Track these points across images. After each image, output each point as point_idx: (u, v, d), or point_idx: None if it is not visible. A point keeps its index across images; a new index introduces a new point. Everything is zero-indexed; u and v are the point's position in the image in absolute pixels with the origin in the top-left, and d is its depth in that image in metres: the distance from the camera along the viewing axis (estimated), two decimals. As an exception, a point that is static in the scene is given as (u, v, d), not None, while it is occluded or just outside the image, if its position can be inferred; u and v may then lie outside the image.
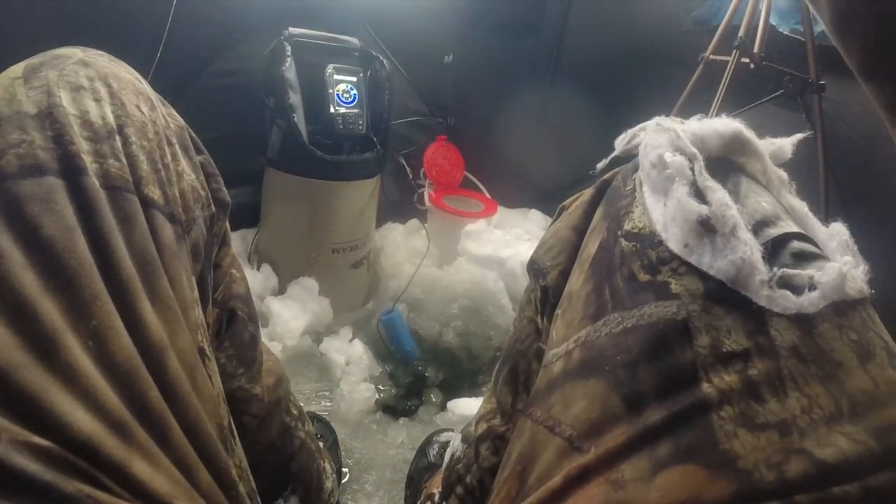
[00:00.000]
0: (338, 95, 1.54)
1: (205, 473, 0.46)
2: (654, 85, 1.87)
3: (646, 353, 0.46)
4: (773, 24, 1.61)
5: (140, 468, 0.40)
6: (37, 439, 0.36)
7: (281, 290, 1.62)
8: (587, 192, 0.64)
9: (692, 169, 0.51)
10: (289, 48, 1.49)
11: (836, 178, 1.61)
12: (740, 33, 1.56)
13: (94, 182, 0.45)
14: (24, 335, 0.38)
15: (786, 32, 1.63)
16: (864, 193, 1.62)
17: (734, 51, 1.56)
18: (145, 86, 0.57)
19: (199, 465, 0.46)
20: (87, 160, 0.45)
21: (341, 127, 1.54)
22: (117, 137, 0.49)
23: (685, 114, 1.66)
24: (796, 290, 0.43)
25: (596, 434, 0.46)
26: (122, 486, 0.39)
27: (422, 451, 1.23)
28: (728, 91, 1.58)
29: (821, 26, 1.56)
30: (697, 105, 1.61)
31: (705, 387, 0.42)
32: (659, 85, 1.83)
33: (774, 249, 0.46)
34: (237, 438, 0.56)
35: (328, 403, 1.44)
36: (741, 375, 0.41)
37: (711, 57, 1.66)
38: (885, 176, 1.56)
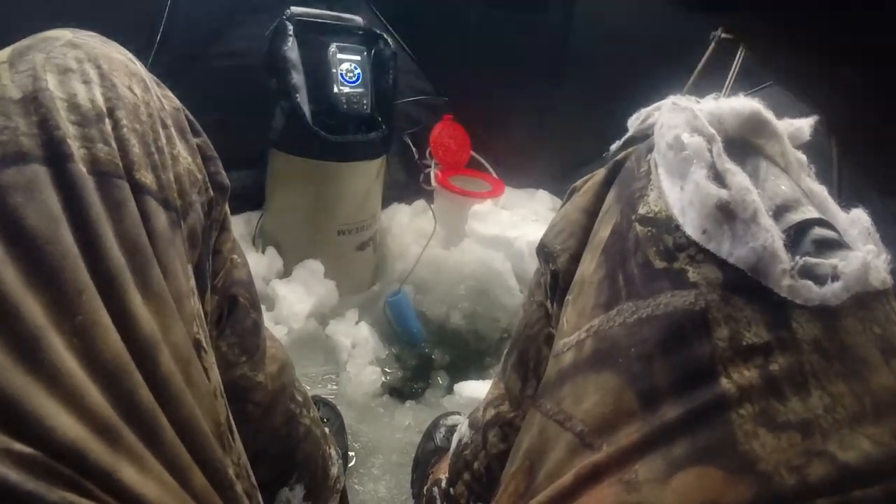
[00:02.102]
0: (341, 75, 1.52)
1: (199, 475, 0.44)
2: (664, 64, 1.83)
3: (661, 346, 0.44)
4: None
5: (128, 474, 0.38)
6: (18, 446, 0.34)
7: (286, 273, 1.61)
8: (599, 173, 0.62)
9: (710, 151, 0.48)
10: (290, 28, 1.46)
11: (850, 161, 1.59)
12: (754, 10, 1.53)
13: (81, 168, 0.43)
14: (3, 335, 0.36)
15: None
16: (879, 176, 1.59)
17: (747, 27, 1.54)
18: (139, 66, 0.55)
19: (192, 466, 0.44)
20: (74, 145, 0.43)
21: (345, 107, 1.52)
22: (107, 121, 0.46)
23: (697, 93, 1.63)
24: (818, 280, 0.41)
25: (609, 430, 0.44)
26: (109, 493, 0.37)
27: (428, 434, 1.22)
28: (739, 70, 1.55)
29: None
30: (709, 85, 1.59)
31: (724, 382, 0.40)
32: (669, 64, 1.80)
33: (796, 236, 0.44)
34: (236, 434, 0.54)
35: (334, 387, 1.43)
36: (761, 371, 0.39)
37: (724, 35, 1.63)
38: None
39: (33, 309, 0.37)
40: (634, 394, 0.44)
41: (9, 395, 0.34)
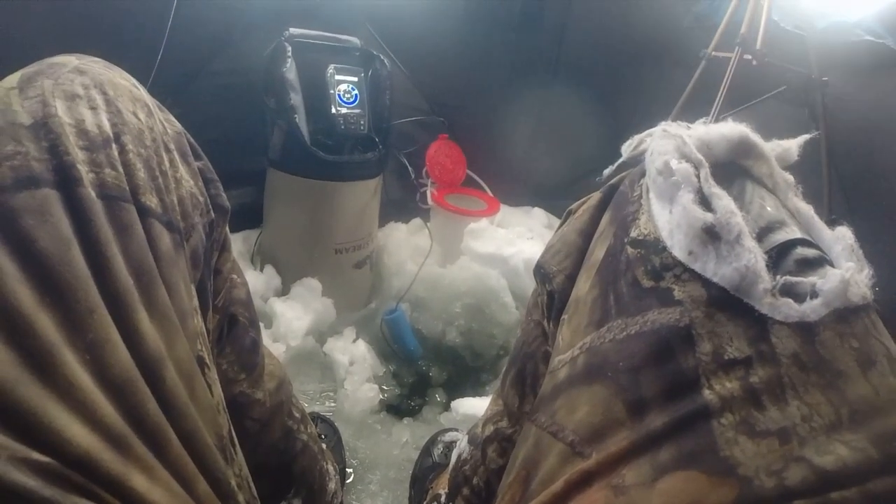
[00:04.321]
0: (339, 95, 1.54)
1: (203, 484, 0.46)
2: (655, 81, 1.87)
3: (648, 359, 0.46)
4: (776, 19, 1.61)
5: (138, 481, 0.40)
6: (36, 455, 0.36)
7: (284, 291, 1.63)
8: (594, 197, 0.64)
9: (698, 176, 0.50)
10: (289, 48, 1.49)
11: (840, 175, 1.61)
12: (742, 30, 1.56)
13: (90, 192, 0.44)
14: (20, 351, 0.38)
15: (788, 28, 1.63)
16: (869, 190, 1.61)
17: (736, 47, 1.56)
18: (142, 92, 0.56)
19: (197, 476, 0.46)
20: (83, 170, 0.45)
21: (343, 127, 1.54)
22: (114, 146, 0.48)
23: (688, 111, 1.66)
24: (799, 297, 0.43)
25: (598, 439, 0.46)
26: (120, 499, 0.39)
27: (426, 450, 1.23)
28: (731, 88, 1.58)
29: (824, 22, 1.57)
30: (700, 102, 1.61)
31: (707, 393, 0.42)
32: (661, 81, 1.83)
33: (778, 256, 0.46)
34: (237, 447, 0.56)
35: (332, 404, 1.44)
36: (742, 382, 0.41)
37: (713, 53, 1.65)
38: (890, 171, 1.56)
39: (47, 326, 0.39)
40: (623, 404, 0.46)
41: (26, 408, 0.36)
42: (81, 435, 0.38)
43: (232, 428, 0.55)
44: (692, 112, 1.62)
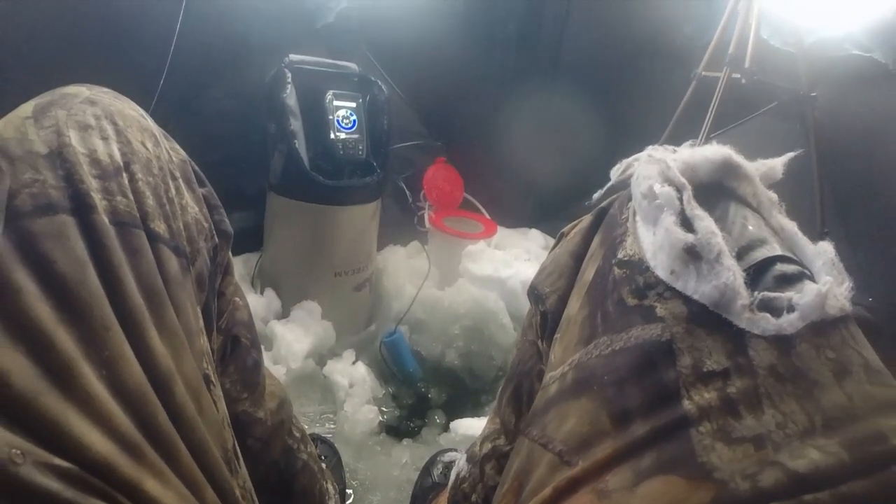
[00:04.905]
0: (338, 121, 1.57)
1: (210, 492, 0.49)
2: (650, 103, 1.90)
3: (632, 373, 0.48)
4: (765, 37, 1.64)
5: (151, 486, 0.42)
6: (57, 461, 0.38)
7: (284, 314, 1.64)
8: (586, 219, 0.66)
9: (680, 199, 0.53)
10: (289, 75, 1.51)
11: (834, 187, 1.63)
12: (731, 49, 1.59)
13: (104, 219, 0.47)
14: (42, 364, 0.40)
15: (777, 45, 1.66)
16: (862, 200, 1.64)
17: (725, 67, 1.59)
18: (149, 122, 0.59)
19: (205, 484, 0.48)
20: (97, 198, 0.47)
21: (342, 152, 1.56)
22: (124, 174, 0.51)
23: (681, 129, 1.68)
24: (776, 311, 0.45)
25: (585, 448, 0.48)
26: (135, 502, 0.41)
27: (426, 470, 1.24)
28: (722, 105, 1.60)
29: (812, 38, 1.60)
30: (694, 121, 1.64)
31: (686, 404, 0.44)
32: (656, 102, 1.86)
33: (758, 273, 0.48)
34: (241, 460, 0.58)
35: (332, 426, 1.45)
36: (720, 393, 0.43)
37: (704, 73, 1.68)
38: (881, 182, 1.58)
39: (66, 342, 0.42)
40: (608, 415, 0.48)
41: (48, 416, 0.39)
42: (99, 442, 0.41)
43: (236, 442, 0.58)
44: (686, 131, 1.64)
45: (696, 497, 0.40)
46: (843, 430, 0.40)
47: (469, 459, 0.83)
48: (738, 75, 1.58)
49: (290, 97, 1.50)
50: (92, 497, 0.39)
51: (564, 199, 2.12)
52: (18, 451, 0.37)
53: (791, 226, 0.55)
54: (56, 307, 0.42)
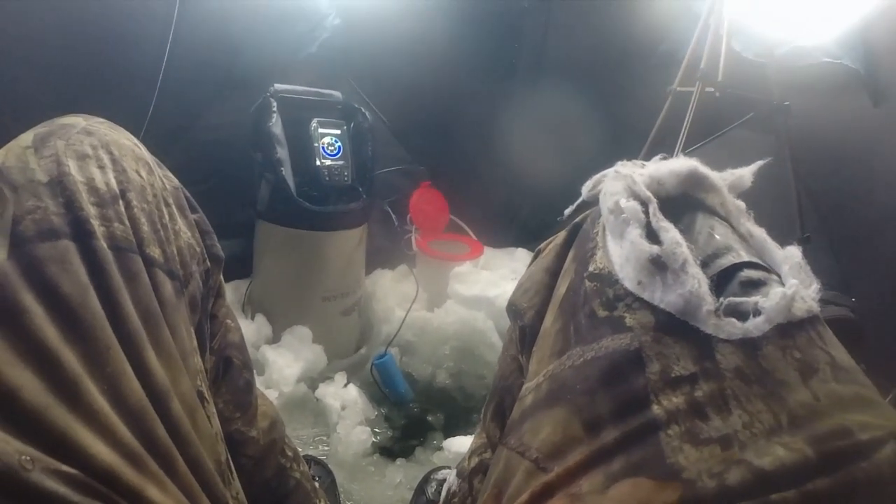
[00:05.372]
0: (323, 148, 1.59)
1: (206, 502, 0.51)
2: (631, 121, 1.92)
3: (603, 381, 0.50)
4: (737, 49, 1.66)
5: (153, 493, 0.45)
6: (65, 468, 0.41)
7: (275, 339, 1.65)
8: (560, 236, 0.69)
9: (646, 212, 0.55)
10: (275, 104, 1.54)
11: (811, 194, 1.65)
12: (702, 64, 1.61)
13: (103, 244, 0.50)
14: (49, 380, 0.43)
15: (749, 57, 1.68)
16: (839, 206, 1.66)
17: (697, 82, 1.61)
18: (143, 151, 0.62)
19: (201, 494, 0.51)
20: (96, 224, 0.50)
21: (327, 179, 1.58)
22: (120, 202, 0.54)
23: (659, 146, 1.71)
24: (743, 316, 0.47)
25: (559, 455, 0.50)
26: None
27: (420, 489, 1.24)
28: (699, 119, 1.62)
29: (783, 49, 1.63)
30: (672, 136, 1.66)
31: (655, 409, 0.46)
32: (636, 119, 1.88)
33: (724, 280, 0.51)
34: (234, 472, 0.61)
35: (325, 448, 1.46)
36: (687, 397, 0.45)
37: (679, 89, 1.70)
38: (857, 184, 1.61)
39: (71, 360, 0.45)
40: (580, 423, 0.50)
41: (56, 428, 0.42)
42: (104, 452, 0.43)
43: (229, 456, 0.60)
44: (664, 147, 1.66)
45: (663, 496, 0.42)
46: (808, 427, 0.42)
47: (459, 474, 0.85)
48: (712, 89, 1.60)
49: (276, 126, 1.53)
50: (97, 501, 0.41)
51: (549, 218, 2.12)
52: (28, 458, 0.39)
53: (760, 232, 0.57)
54: (61, 328, 0.45)
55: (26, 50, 1.34)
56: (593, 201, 0.65)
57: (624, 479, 0.45)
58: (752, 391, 0.44)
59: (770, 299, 0.47)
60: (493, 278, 1.91)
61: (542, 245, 0.72)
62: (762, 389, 0.44)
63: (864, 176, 1.59)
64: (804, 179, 1.60)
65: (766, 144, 1.62)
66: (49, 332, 0.44)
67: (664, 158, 0.63)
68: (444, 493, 0.89)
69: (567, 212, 0.70)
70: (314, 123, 1.60)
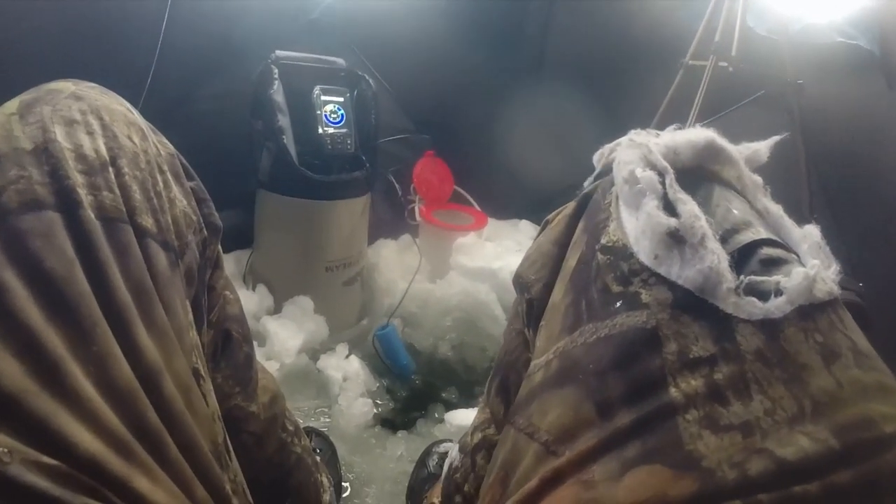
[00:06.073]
0: (326, 116, 1.56)
1: (200, 488, 0.49)
2: (639, 89, 1.89)
3: (617, 361, 0.47)
4: (751, 25, 1.63)
5: (141, 483, 0.43)
6: (46, 459, 0.38)
7: (276, 310, 1.64)
8: (569, 206, 0.66)
9: (663, 182, 0.52)
10: (276, 71, 1.51)
11: (821, 175, 1.63)
12: (716, 37, 1.58)
13: (90, 214, 0.47)
14: (30, 363, 0.40)
15: (763, 33, 1.65)
16: (849, 189, 1.64)
17: (711, 56, 1.58)
18: (136, 116, 0.59)
19: (194, 480, 0.48)
20: (83, 193, 0.47)
21: (330, 147, 1.56)
22: (110, 169, 0.51)
23: (669, 119, 1.68)
24: (763, 296, 0.45)
25: (570, 439, 0.48)
26: (124, 500, 0.41)
27: (421, 462, 1.24)
28: (710, 94, 1.59)
29: (797, 25, 1.60)
30: (681, 110, 1.64)
31: (672, 391, 0.43)
32: (644, 89, 1.86)
33: (743, 257, 0.48)
34: (232, 454, 0.58)
35: (327, 420, 1.45)
36: (707, 380, 0.43)
37: (691, 62, 1.68)
38: (868, 167, 1.58)
39: (54, 341, 0.42)
40: (592, 405, 0.48)
41: (37, 416, 0.39)
42: (88, 440, 0.41)
43: (227, 436, 0.58)
44: (673, 120, 1.63)
45: (680, 486, 0.40)
46: (831, 416, 0.40)
47: (461, 450, 0.83)
48: (725, 63, 1.57)
49: (278, 93, 1.50)
50: (81, 495, 0.39)
51: (554, 190, 2.11)
52: (6, 450, 0.37)
53: (776, 209, 0.55)
54: (44, 306, 0.42)
55: (21, 20, 1.31)
56: (608, 172, 0.62)
57: (639, 467, 0.42)
58: (774, 375, 0.42)
59: (792, 279, 0.44)
60: (496, 250, 1.89)
61: (550, 216, 0.70)
62: (784, 374, 0.42)
63: (876, 158, 1.56)
64: (815, 159, 1.58)
65: (775, 124, 1.60)
66: (31, 310, 0.42)
67: (678, 129, 0.60)
68: (445, 468, 0.88)
69: (587, 184, 0.67)
70: (316, 91, 1.57)
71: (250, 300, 1.60)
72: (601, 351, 0.49)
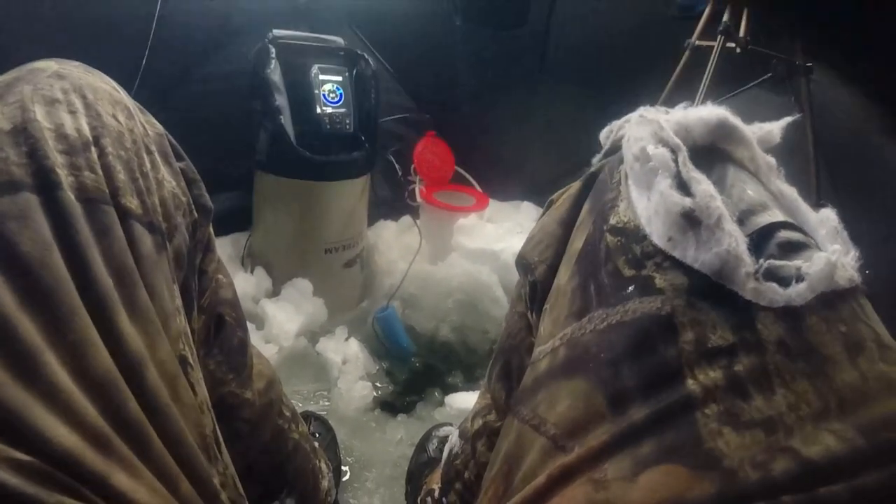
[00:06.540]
0: (324, 95, 1.54)
1: (186, 483, 0.46)
2: (642, 73, 1.87)
3: (630, 351, 0.45)
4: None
5: (120, 480, 0.40)
6: (18, 455, 0.36)
7: (275, 292, 1.62)
8: (574, 186, 0.63)
9: (676, 160, 0.50)
10: (273, 50, 1.49)
11: (827, 161, 1.61)
12: (725, 17, 1.55)
13: (70, 196, 0.45)
14: (3, 353, 0.38)
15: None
16: (855, 175, 1.62)
17: (719, 36, 1.56)
18: (122, 94, 0.57)
19: (179, 475, 0.46)
20: (63, 174, 0.45)
21: (328, 127, 1.54)
22: (93, 149, 0.48)
23: (673, 101, 1.65)
24: (783, 281, 0.42)
25: (580, 433, 0.45)
26: (103, 497, 0.39)
27: (421, 446, 1.23)
28: (716, 76, 1.56)
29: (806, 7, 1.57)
30: (686, 92, 1.61)
31: (690, 384, 0.41)
32: (647, 72, 1.83)
33: (761, 240, 0.45)
34: (223, 445, 0.56)
35: (326, 403, 1.45)
36: (726, 372, 0.40)
37: (697, 43, 1.65)
38: (874, 157, 1.56)
39: (29, 329, 0.39)
40: (604, 397, 0.45)
41: (8, 409, 0.37)
42: (63, 434, 0.38)
43: (217, 427, 0.55)
44: (678, 103, 1.61)
45: (700, 488, 0.37)
46: (857, 413, 0.38)
47: (461, 435, 0.82)
48: (733, 44, 1.55)
49: (275, 73, 1.48)
50: (56, 492, 0.36)
51: (557, 171, 2.09)
52: None
53: (791, 192, 0.52)
54: (19, 293, 0.40)
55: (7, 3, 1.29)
56: (616, 150, 0.60)
57: (655, 466, 0.40)
58: (797, 368, 0.39)
59: (814, 264, 0.42)
60: (498, 231, 1.87)
61: (554, 196, 0.67)
62: (807, 366, 0.39)
63: (884, 144, 1.54)
64: (822, 145, 1.55)
65: (782, 107, 1.58)
66: (5, 297, 0.39)
67: (687, 107, 0.57)
68: (445, 454, 0.87)
69: (594, 161, 0.64)
70: (314, 70, 1.55)
71: (249, 283, 1.59)
72: (613, 339, 0.46)
